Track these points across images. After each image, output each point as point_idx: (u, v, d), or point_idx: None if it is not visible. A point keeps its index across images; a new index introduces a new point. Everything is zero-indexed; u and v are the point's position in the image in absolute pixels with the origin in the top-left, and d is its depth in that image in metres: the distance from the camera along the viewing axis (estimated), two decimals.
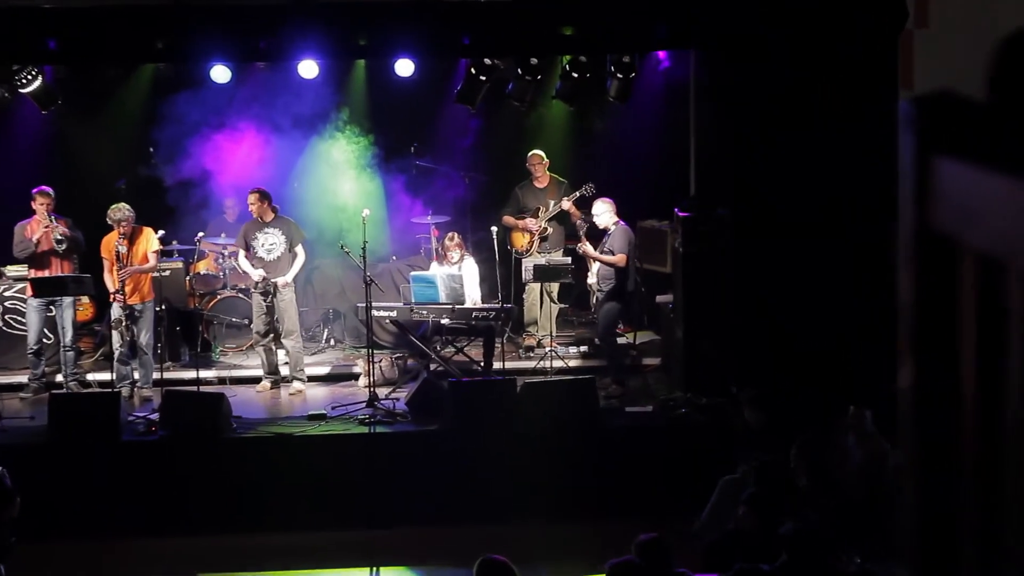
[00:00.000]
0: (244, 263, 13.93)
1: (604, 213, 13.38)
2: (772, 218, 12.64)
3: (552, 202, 14.88)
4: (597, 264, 13.54)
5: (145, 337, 13.36)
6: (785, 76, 12.48)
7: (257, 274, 13.69)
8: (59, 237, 13.30)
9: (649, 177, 15.64)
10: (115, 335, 13.20)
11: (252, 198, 13.74)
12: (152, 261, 13.34)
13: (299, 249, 13.81)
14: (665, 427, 12.18)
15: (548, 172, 15.13)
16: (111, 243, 13.23)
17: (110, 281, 13.24)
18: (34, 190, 13.38)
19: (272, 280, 13.62)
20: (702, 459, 11.23)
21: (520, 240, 15.12)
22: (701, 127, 13.25)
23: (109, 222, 13.16)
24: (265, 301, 13.73)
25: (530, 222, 14.97)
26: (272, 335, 13.81)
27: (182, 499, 11.65)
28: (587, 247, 13.51)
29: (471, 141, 16.36)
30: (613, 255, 13.23)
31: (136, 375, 13.51)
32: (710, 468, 10.57)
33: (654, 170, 15.61)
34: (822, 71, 12.46)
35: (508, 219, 15.10)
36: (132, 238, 13.18)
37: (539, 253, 14.86)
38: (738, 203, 12.77)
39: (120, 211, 13.12)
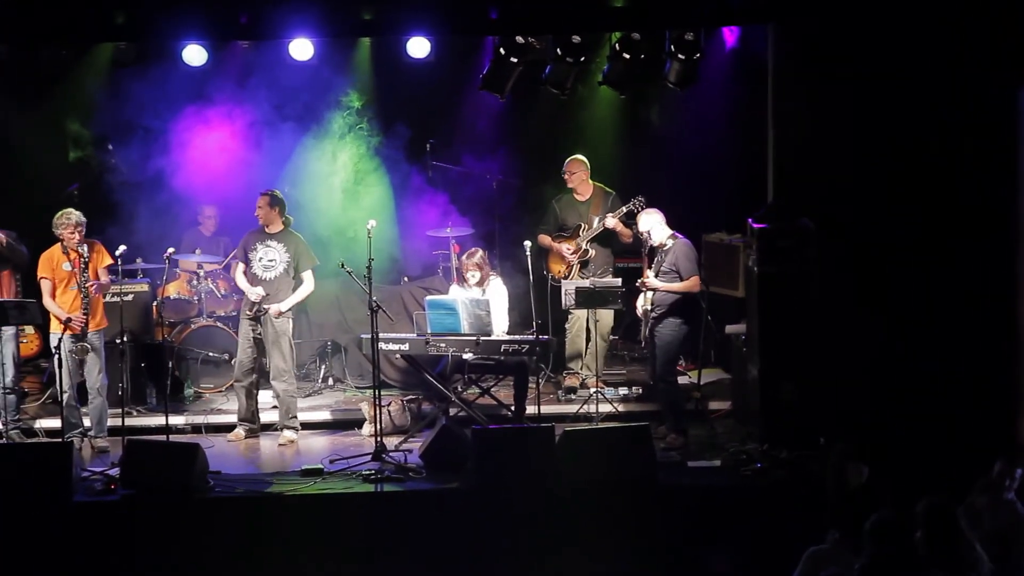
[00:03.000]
0: (241, 279, 14.03)
1: (656, 226, 13.33)
2: (869, 231, 12.66)
3: (596, 219, 14.89)
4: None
5: (98, 376, 13.45)
6: (887, 57, 12.49)
7: (255, 292, 13.76)
8: None
9: (717, 180, 15.69)
10: (64, 374, 13.18)
11: (261, 201, 13.87)
12: (105, 279, 13.44)
13: (307, 275, 13.93)
14: (736, 486, 12.18)
15: (592, 181, 15.14)
16: (54, 260, 13.32)
17: (54, 307, 13.30)
18: None
19: (263, 305, 13.72)
20: (782, 525, 11.22)
21: (557, 266, 15.16)
22: (781, 119, 13.28)
23: (55, 232, 13.24)
24: (254, 331, 13.83)
25: (565, 248, 14.98)
26: (256, 375, 13.90)
27: (147, 571, 11.65)
28: (651, 279, 13.34)
29: (500, 137, 16.43)
30: (680, 278, 13.21)
31: (87, 422, 13.59)
32: (792, 536, 10.54)
33: (723, 172, 15.66)
34: (934, 51, 12.47)
35: (545, 239, 15.13)
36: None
37: (581, 278, 14.85)
38: (826, 212, 12.78)
39: (71, 217, 13.20)
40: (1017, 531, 9.78)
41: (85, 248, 13.11)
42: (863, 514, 9.21)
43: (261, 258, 13.84)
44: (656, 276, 13.27)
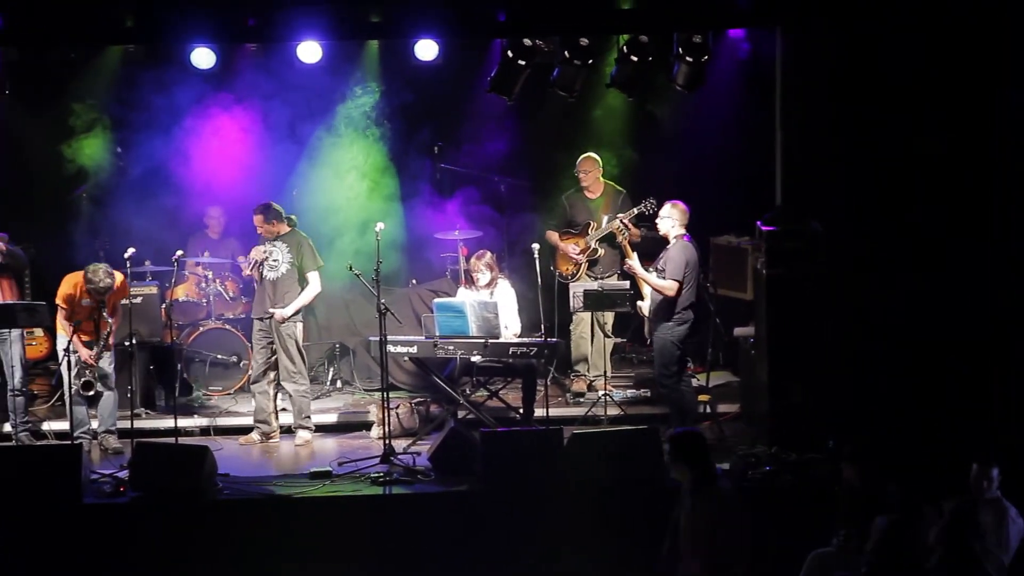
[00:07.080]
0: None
1: (667, 219, 13.30)
2: (877, 233, 12.74)
3: (606, 218, 14.99)
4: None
5: (108, 367, 13.58)
6: (896, 57, 12.57)
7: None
8: None
9: (726, 183, 15.76)
10: (71, 372, 13.28)
11: (256, 220, 14.00)
12: (115, 318, 13.55)
13: (311, 276, 14.00)
14: (744, 489, 12.15)
15: (603, 180, 15.27)
16: (76, 296, 13.40)
17: (64, 327, 13.38)
18: None
19: (269, 309, 13.84)
20: (788, 528, 11.33)
21: (565, 264, 15.29)
22: (789, 122, 13.34)
23: (88, 288, 13.26)
24: (266, 333, 13.97)
25: (571, 247, 15.11)
26: (272, 374, 14.03)
27: (155, 573, 11.76)
28: (634, 263, 13.39)
29: (508, 139, 16.53)
30: (664, 278, 13.20)
31: (95, 424, 13.73)
32: (798, 539, 10.65)
33: (732, 174, 15.75)
34: (942, 53, 12.56)
35: (552, 236, 15.28)
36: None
37: (589, 276, 14.98)
38: (834, 215, 12.87)
39: (100, 284, 13.17)
40: (1000, 525, 9.93)
41: (106, 314, 13.30)
42: (867, 516, 9.32)
43: (267, 258, 13.96)
44: (652, 271, 13.31)
